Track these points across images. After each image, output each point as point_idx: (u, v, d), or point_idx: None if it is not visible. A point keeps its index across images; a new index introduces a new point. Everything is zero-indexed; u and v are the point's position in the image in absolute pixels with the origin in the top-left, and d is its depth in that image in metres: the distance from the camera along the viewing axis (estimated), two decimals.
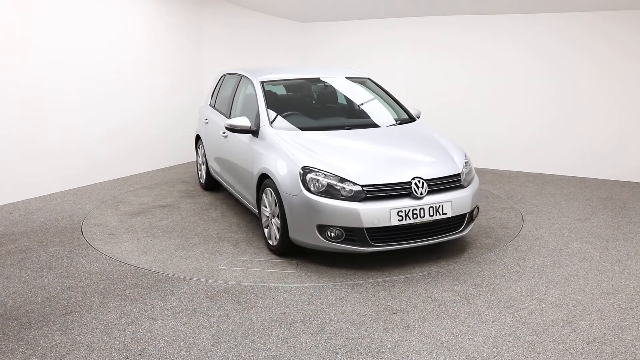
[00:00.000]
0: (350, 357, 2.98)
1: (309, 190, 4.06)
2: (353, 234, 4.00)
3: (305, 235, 4.14)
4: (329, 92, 5.77)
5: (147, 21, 7.75)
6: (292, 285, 3.92)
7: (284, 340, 3.16)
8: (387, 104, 5.55)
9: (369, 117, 5.40)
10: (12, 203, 6.15)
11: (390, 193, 4.05)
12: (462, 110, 8.17)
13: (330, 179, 4.04)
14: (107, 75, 7.19)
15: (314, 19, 9.14)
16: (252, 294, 3.77)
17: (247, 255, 4.55)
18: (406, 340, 3.15)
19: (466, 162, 4.58)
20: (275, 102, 5.24)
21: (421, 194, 4.08)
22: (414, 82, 8.48)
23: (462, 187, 4.34)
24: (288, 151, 4.39)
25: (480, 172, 7.78)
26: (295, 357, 2.99)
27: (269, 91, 5.36)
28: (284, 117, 5.03)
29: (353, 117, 5.43)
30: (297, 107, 5.38)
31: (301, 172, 4.14)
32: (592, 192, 6.54)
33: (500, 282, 3.95)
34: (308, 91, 5.79)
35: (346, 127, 4.92)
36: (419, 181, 4.11)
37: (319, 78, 5.79)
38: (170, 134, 8.29)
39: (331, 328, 3.30)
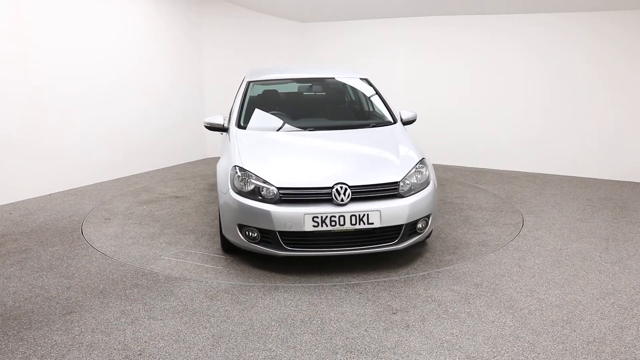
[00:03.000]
0: (350, 357, 2.98)
1: (235, 189, 4.11)
2: (268, 236, 3.98)
3: (231, 233, 4.20)
4: (315, 93, 5.73)
5: (147, 21, 7.76)
6: (292, 285, 3.93)
7: (284, 340, 3.16)
8: (373, 105, 5.42)
9: (342, 119, 5.31)
10: (12, 203, 6.15)
11: (309, 197, 3.93)
12: (462, 110, 8.17)
13: (256, 180, 4.05)
14: (107, 75, 7.20)
15: (314, 19, 9.14)
16: (252, 294, 3.78)
17: (197, 249, 4.69)
18: (406, 340, 3.15)
19: (418, 171, 4.22)
20: (258, 102, 5.32)
21: (342, 200, 3.89)
22: (414, 82, 8.48)
23: (400, 196, 4.04)
24: (233, 150, 4.46)
25: (481, 172, 7.78)
26: (295, 357, 2.99)
27: (258, 90, 5.42)
28: (252, 116, 5.07)
29: (327, 118, 5.29)
30: (276, 107, 5.37)
31: (231, 171, 4.20)
32: (592, 192, 6.54)
33: (500, 282, 3.94)
34: (294, 91, 5.80)
35: (309, 129, 4.86)
36: (340, 187, 3.92)
37: (308, 78, 5.75)
38: (171, 134, 8.30)
39: (331, 328, 3.30)
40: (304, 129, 4.88)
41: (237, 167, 4.18)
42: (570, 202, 6.11)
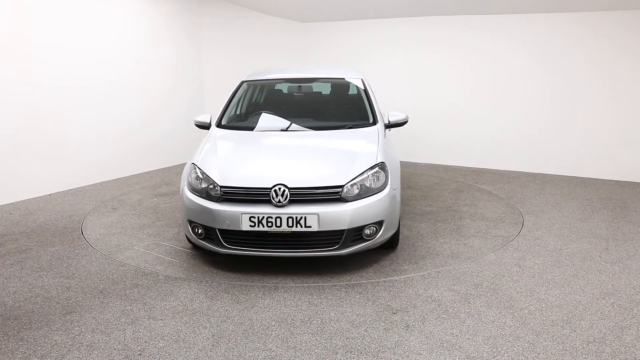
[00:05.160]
0: (350, 357, 2.98)
1: (189, 185, 4.22)
2: (210, 233, 4.05)
3: (185, 229, 4.30)
4: (303, 94, 5.73)
5: (147, 21, 7.76)
6: (292, 285, 3.93)
7: (284, 340, 3.16)
8: (358, 106, 5.33)
9: (321, 120, 5.21)
10: (12, 203, 6.15)
11: (248, 197, 3.94)
12: (462, 109, 8.17)
13: (207, 178, 4.12)
14: (107, 75, 7.20)
15: (314, 19, 9.14)
16: (252, 294, 3.78)
17: (171, 242, 4.87)
18: (406, 340, 3.15)
19: (375, 175, 4.09)
20: (245, 101, 5.43)
21: (279, 201, 3.86)
22: (413, 82, 8.48)
23: (343, 200, 3.92)
24: (200, 148, 4.57)
25: (481, 172, 7.78)
26: (295, 357, 2.99)
27: (247, 90, 5.52)
28: (232, 115, 5.17)
29: (307, 119, 5.19)
30: (261, 107, 5.38)
31: (189, 168, 4.33)
32: (592, 192, 6.54)
33: (500, 282, 3.94)
34: (283, 92, 5.84)
35: (281, 130, 4.85)
36: (279, 188, 3.89)
37: (299, 78, 5.72)
38: (171, 134, 8.30)
39: (331, 328, 3.30)
40: (277, 129, 4.88)
41: (194, 165, 4.31)
42: (570, 202, 6.11)
